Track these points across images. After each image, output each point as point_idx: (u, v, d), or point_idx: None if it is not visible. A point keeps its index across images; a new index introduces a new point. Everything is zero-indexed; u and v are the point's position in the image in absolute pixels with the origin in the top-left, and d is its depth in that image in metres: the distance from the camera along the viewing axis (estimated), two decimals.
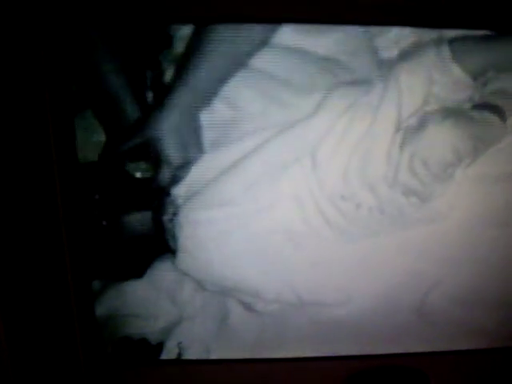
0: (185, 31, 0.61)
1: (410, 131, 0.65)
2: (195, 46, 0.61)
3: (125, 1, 0.60)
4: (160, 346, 0.73)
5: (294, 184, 0.66)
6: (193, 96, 0.62)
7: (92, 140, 0.63)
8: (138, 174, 0.66)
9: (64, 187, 0.63)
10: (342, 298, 0.72)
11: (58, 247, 0.65)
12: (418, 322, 0.74)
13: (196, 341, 0.73)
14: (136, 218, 0.67)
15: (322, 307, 0.72)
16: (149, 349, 0.73)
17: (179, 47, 0.61)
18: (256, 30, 0.61)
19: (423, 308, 0.74)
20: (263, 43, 0.61)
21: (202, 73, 0.61)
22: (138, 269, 0.69)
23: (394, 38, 0.63)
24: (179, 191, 0.66)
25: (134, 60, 0.61)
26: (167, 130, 0.64)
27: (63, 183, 0.63)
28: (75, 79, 0.62)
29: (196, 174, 0.66)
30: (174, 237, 0.68)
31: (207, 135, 0.65)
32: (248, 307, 0.71)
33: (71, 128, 0.62)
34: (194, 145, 0.65)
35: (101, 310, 0.71)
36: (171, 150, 0.65)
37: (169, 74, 0.62)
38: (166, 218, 0.67)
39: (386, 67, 0.64)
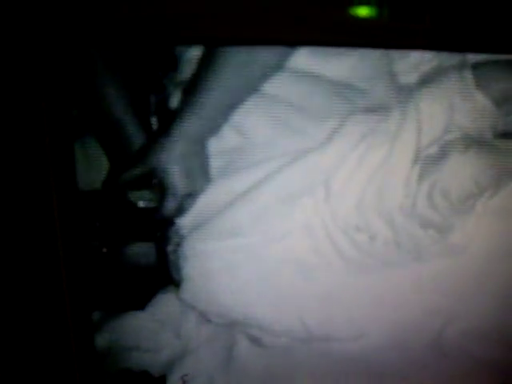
0: (192, 53, 0.58)
1: (430, 160, 0.62)
2: (203, 69, 0.58)
3: (128, 20, 0.57)
4: (163, 379, 0.70)
5: (305, 214, 0.63)
6: (200, 123, 0.59)
7: (93, 167, 0.60)
8: (142, 204, 0.63)
9: (63, 215, 0.60)
10: (354, 333, 0.68)
11: (55, 276, 0.62)
12: (433, 359, 0.70)
13: (201, 374, 0.69)
14: (138, 248, 0.64)
15: (333, 342, 0.69)
16: (151, 382, 0.70)
17: (186, 70, 0.58)
18: (270, 53, 0.58)
19: (439, 343, 0.70)
20: (277, 67, 0.58)
21: (211, 98, 0.58)
22: (140, 300, 0.66)
23: (414, 63, 0.60)
24: (184, 221, 0.63)
25: (137, 83, 0.58)
26: (172, 159, 0.60)
27: (62, 210, 0.59)
28: (76, 103, 0.58)
29: (202, 203, 0.63)
30: (177, 268, 0.64)
31: (214, 163, 0.62)
32: (255, 341, 0.68)
33: (71, 154, 0.59)
34: (200, 174, 0.62)
35: (101, 341, 0.67)
36: (176, 180, 0.61)
37: (174, 99, 0.59)
38: (169, 248, 0.64)
39: (405, 93, 0.61)
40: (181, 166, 0.60)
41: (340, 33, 0.58)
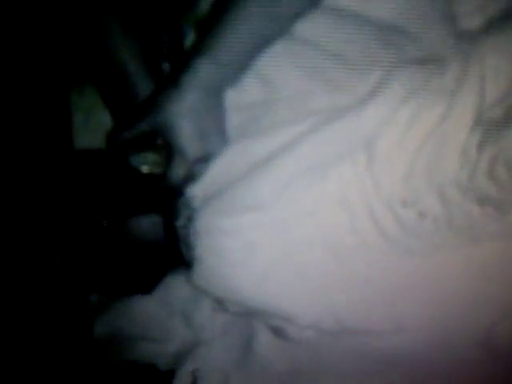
0: None
1: (493, 126, 0.52)
2: (221, 4, 0.47)
3: None
4: (171, 374, 0.61)
5: (342, 185, 0.53)
6: (216, 70, 0.48)
7: (92, 122, 0.51)
8: (145, 168, 0.53)
9: (57, 177, 0.50)
10: (392, 326, 0.59)
11: (47, 250, 0.53)
12: (482, 358, 0.61)
13: (214, 369, 0.61)
14: (143, 222, 0.55)
15: (367, 336, 0.60)
16: (157, 376, 0.61)
17: (205, 7, 0.48)
18: None
19: (489, 341, 0.60)
20: (311, 4, 0.48)
21: (231, 39, 0.47)
22: (147, 283, 0.57)
23: (478, 3, 0.50)
24: (196, 191, 0.53)
25: (149, 22, 0.48)
26: (181, 114, 0.50)
27: (57, 172, 0.50)
28: (75, 42, 0.48)
29: (217, 170, 0.53)
30: (188, 246, 0.55)
31: (233, 121, 0.52)
32: (278, 332, 0.59)
33: (66, 107, 0.49)
34: (215, 133, 0.52)
35: (101, 329, 0.59)
36: (186, 140, 0.51)
37: (190, 41, 0.49)
38: (179, 223, 0.55)
39: (467, 41, 0.50)
40: (191, 122, 0.50)
41: None
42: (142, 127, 0.52)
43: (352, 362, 0.60)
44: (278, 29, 0.48)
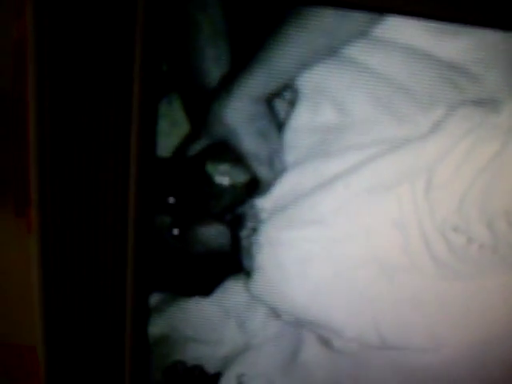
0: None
1: None
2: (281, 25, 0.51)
3: None
4: (217, 377, 0.64)
5: (399, 208, 0.57)
6: (266, 80, 0.52)
7: (175, 132, 0.55)
8: (218, 179, 0.57)
9: (139, 181, 0.54)
10: (433, 344, 0.62)
11: (121, 248, 0.57)
12: None
13: (260, 374, 0.63)
14: (211, 230, 0.58)
15: (407, 352, 0.63)
16: (204, 378, 0.64)
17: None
18: (362, 19, 0.51)
19: None
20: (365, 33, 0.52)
21: (283, 52, 0.51)
22: (206, 286, 0.60)
23: None
24: (265, 204, 0.57)
25: (236, 44, 0.52)
26: (238, 121, 0.54)
27: (139, 176, 0.54)
28: (169, 54, 0.52)
29: (287, 185, 0.57)
30: (250, 256, 0.59)
31: (305, 141, 0.56)
32: (325, 343, 0.62)
33: (154, 115, 0.53)
34: (274, 132, 0.55)
35: (156, 328, 0.62)
36: (251, 143, 0.55)
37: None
38: (244, 233, 0.58)
39: None
40: (249, 126, 0.54)
41: (459, 7, 0.53)
42: (208, 140, 0.56)
43: (391, 376, 0.63)
44: (329, 48, 0.52)
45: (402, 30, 0.53)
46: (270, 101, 0.55)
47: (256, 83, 0.53)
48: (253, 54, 0.52)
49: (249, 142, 0.55)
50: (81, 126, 0.53)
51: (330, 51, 0.53)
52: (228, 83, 0.53)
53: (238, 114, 0.54)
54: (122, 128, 0.53)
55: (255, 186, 0.57)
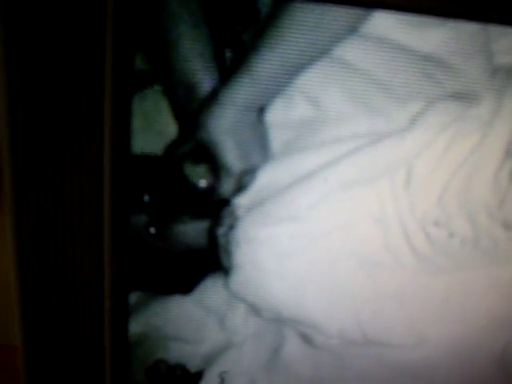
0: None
1: None
2: (266, 25, 0.50)
3: None
4: (199, 375, 0.64)
5: (379, 202, 0.56)
6: (256, 87, 0.51)
7: (152, 128, 0.53)
8: (195, 180, 0.56)
9: (114, 180, 0.53)
10: (414, 340, 0.62)
11: (98, 247, 0.56)
12: (497, 374, 0.64)
13: (242, 372, 0.63)
14: (188, 229, 0.57)
15: (389, 348, 0.63)
16: (186, 377, 0.64)
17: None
18: (348, 13, 0.50)
19: (504, 357, 0.64)
20: (354, 30, 0.51)
21: (271, 57, 0.50)
22: (186, 284, 0.60)
23: None
24: (242, 201, 0.57)
25: (214, 37, 0.51)
26: (224, 130, 0.53)
27: (114, 176, 0.53)
28: (144, 45, 0.51)
29: (263, 181, 0.56)
30: (228, 253, 0.58)
31: (280, 137, 0.55)
32: (306, 339, 0.62)
33: (127, 111, 0.52)
34: (258, 148, 0.55)
35: (136, 327, 0.61)
36: (230, 154, 0.54)
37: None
38: (220, 231, 0.58)
39: (501, 77, 0.54)
40: (233, 138, 0.53)
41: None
42: (192, 144, 0.55)
43: (374, 372, 0.63)
44: (319, 50, 0.51)
45: (377, 22, 0.52)
46: (259, 108, 0.53)
47: (245, 92, 0.52)
48: (239, 58, 0.51)
49: (225, 154, 0.54)
50: (52, 122, 0.52)
51: (323, 52, 0.51)
52: (216, 90, 0.52)
53: (223, 123, 0.53)
54: (95, 125, 0.52)
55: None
